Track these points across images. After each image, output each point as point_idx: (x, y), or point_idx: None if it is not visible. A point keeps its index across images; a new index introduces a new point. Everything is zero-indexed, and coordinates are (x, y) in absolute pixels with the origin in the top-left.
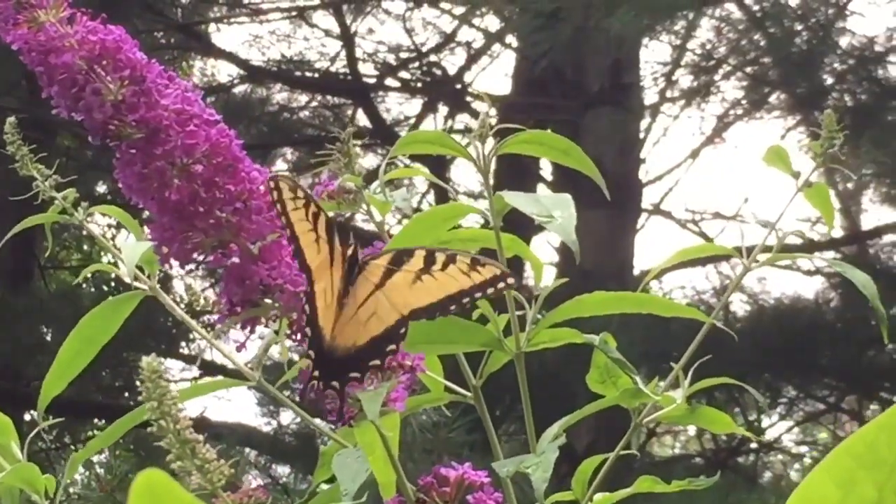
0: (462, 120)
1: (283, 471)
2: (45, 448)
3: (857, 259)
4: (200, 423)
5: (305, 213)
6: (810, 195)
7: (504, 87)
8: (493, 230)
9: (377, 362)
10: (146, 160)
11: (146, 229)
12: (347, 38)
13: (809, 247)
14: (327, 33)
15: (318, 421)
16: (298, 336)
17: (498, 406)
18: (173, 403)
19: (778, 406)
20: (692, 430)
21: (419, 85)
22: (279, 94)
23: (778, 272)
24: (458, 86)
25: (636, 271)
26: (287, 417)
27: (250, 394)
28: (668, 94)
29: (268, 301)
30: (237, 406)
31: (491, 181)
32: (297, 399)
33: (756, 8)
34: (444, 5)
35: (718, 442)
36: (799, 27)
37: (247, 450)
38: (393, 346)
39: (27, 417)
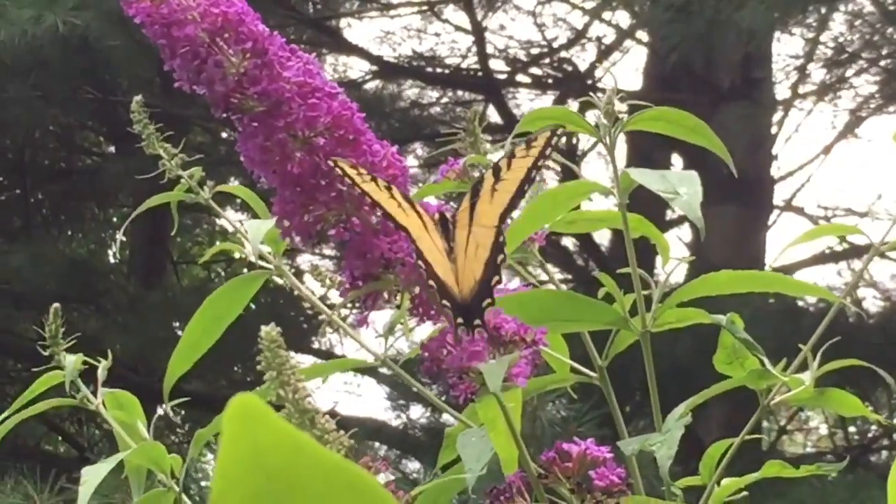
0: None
1: (412, 466)
2: (177, 441)
3: None
4: (330, 417)
5: (376, 185)
6: None
7: (635, 83)
8: (619, 208)
9: (497, 278)
10: (268, 133)
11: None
12: (478, 34)
13: None
14: (458, 28)
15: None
16: (421, 310)
17: (625, 399)
18: (292, 373)
19: None
20: (823, 428)
21: (550, 81)
22: (410, 90)
23: None
24: (589, 81)
25: (767, 268)
26: (416, 412)
27: (380, 388)
28: (800, 89)
29: (388, 275)
30: (367, 400)
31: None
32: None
33: (889, 3)
34: (574, 0)
35: (850, 440)
36: None
37: (376, 444)
38: (502, 256)
39: (159, 411)
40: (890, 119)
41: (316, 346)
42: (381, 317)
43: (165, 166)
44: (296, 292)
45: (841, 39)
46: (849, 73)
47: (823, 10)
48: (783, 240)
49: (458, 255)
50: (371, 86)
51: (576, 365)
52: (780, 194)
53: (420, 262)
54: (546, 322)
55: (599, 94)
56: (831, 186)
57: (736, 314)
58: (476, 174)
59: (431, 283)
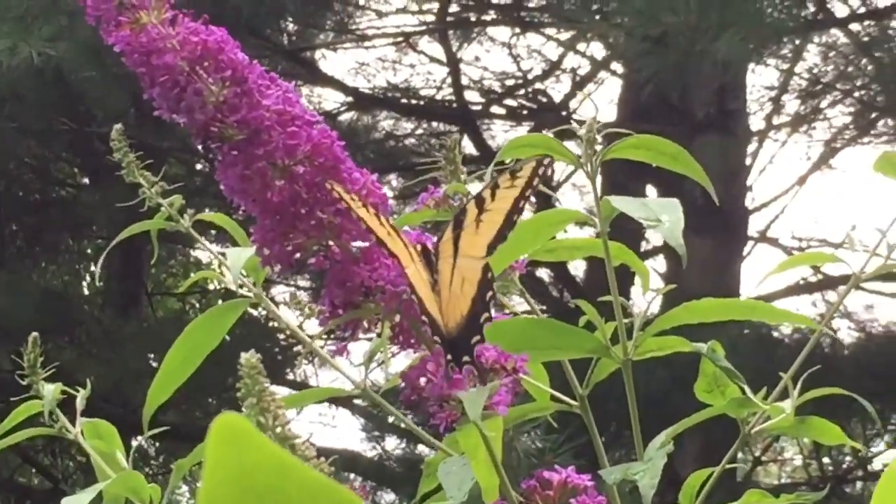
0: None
1: (388, 498)
2: (151, 473)
3: None
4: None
5: (367, 210)
6: None
7: (609, 114)
8: (601, 236)
9: (487, 315)
10: (248, 161)
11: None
12: (453, 65)
13: None
14: (433, 60)
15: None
16: (401, 339)
17: (602, 429)
18: (272, 400)
19: (886, 434)
20: (798, 459)
21: (524, 112)
22: (385, 122)
23: (886, 300)
24: (564, 113)
25: (742, 298)
26: (391, 443)
27: (355, 419)
28: (775, 119)
29: (368, 304)
30: (342, 431)
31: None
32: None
33: (863, 34)
34: (549, 32)
35: (825, 470)
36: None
37: (351, 475)
38: (491, 293)
39: (134, 443)
40: (864, 150)
41: (291, 377)
42: (357, 347)
43: (145, 195)
44: (272, 323)
45: (815, 71)
46: (823, 104)
47: (798, 42)
48: (758, 271)
49: (443, 288)
50: (346, 117)
51: (556, 393)
52: (754, 225)
53: (413, 296)
54: (527, 350)
55: (577, 124)
56: (806, 217)
57: (717, 342)
58: (456, 203)
59: (424, 317)
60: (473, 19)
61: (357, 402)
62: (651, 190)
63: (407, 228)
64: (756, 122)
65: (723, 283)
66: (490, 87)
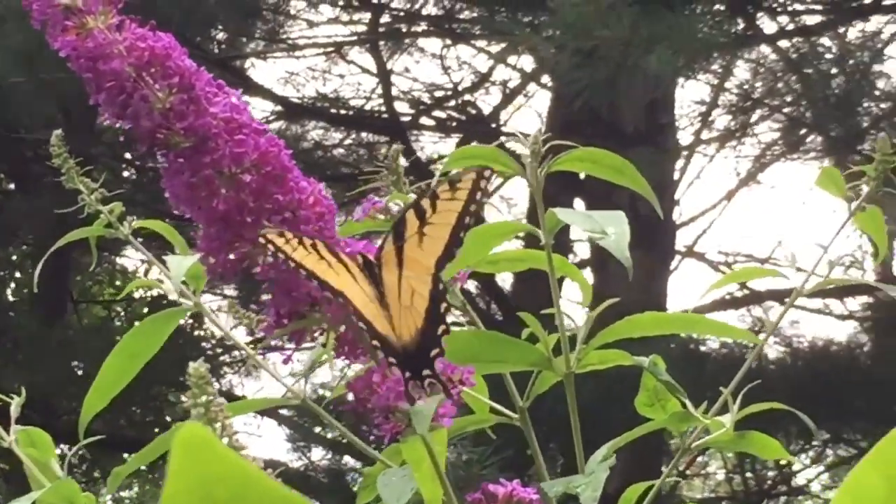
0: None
1: None
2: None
3: (892, 304)
4: None
5: (304, 248)
6: (862, 220)
7: (538, 126)
8: (545, 248)
9: (444, 327)
10: (194, 169)
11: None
12: (384, 76)
13: (840, 291)
14: (364, 70)
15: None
16: (346, 349)
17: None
18: (220, 410)
19: (810, 450)
20: (721, 474)
21: (453, 124)
22: (314, 132)
23: (810, 315)
24: (493, 125)
25: (683, 312)
26: (318, 454)
27: (281, 430)
28: (704, 135)
29: (314, 314)
30: (267, 442)
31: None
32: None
33: (791, 51)
34: (479, 44)
35: (748, 485)
36: (835, 70)
37: None
38: (446, 305)
39: (58, 451)
40: (792, 166)
41: (216, 386)
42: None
43: (85, 201)
44: (197, 332)
45: (745, 87)
46: (752, 119)
47: (727, 58)
48: (685, 285)
49: (391, 302)
50: (275, 126)
51: (496, 406)
52: (681, 240)
53: (361, 323)
54: (470, 362)
55: (505, 136)
56: (733, 233)
57: (658, 356)
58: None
59: (375, 341)
60: (405, 30)
61: (283, 412)
62: (579, 203)
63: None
64: (685, 137)
65: (650, 296)
66: (420, 99)
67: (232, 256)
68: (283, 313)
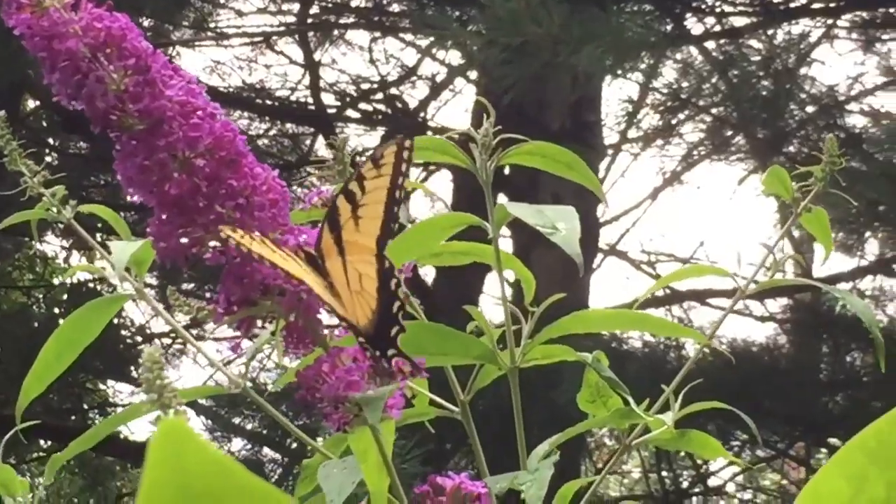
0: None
1: None
2: None
3: (811, 306)
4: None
5: (258, 242)
6: (808, 220)
7: (464, 121)
8: (492, 242)
9: (399, 303)
10: (148, 152)
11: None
12: (312, 67)
13: (762, 293)
14: (291, 61)
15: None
16: (295, 338)
17: (455, 438)
18: (174, 396)
19: (729, 450)
20: (637, 472)
21: (379, 117)
22: (239, 122)
23: (731, 316)
24: (420, 119)
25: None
26: (237, 444)
27: (199, 420)
28: (630, 133)
29: (264, 301)
30: None
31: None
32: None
33: (718, 52)
34: (407, 37)
35: (665, 484)
36: (761, 73)
37: None
38: (396, 280)
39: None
40: (717, 167)
41: (134, 374)
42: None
43: (27, 184)
44: (115, 319)
45: (673, 87)
46: (678, 120)
47: (655, 58)
48: (607, 283)
49: (341, 290)
50: None
51: (437, 399)
52: (605, 238)
53: (325, 307)
54: (415, 354)
55: (431, 131)
56: (656, 232)
57: (602, 353)
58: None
59: (343, 323)
60: (333, 22)
61: (202, 401)
62: (502, 198)
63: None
64: (611, 136)
65: (572, 294)
66: (346, 91)
67: (184, 241)
68: (233, 300)
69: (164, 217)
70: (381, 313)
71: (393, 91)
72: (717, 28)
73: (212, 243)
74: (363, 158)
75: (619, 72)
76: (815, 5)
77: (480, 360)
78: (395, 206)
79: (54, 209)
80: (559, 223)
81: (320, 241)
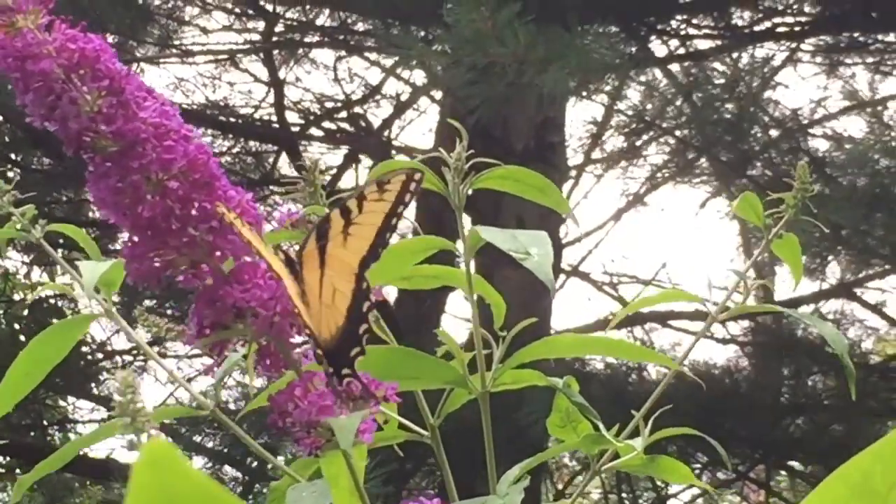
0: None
1: None
2: None
3: (773, 329)
4: (107, 465)
5: (248, 227)
6: (779, 247)
7: (429, 141)
8: (465, 266)
9: (366, 326)
10: (121, 174)
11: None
12: (276, 85)
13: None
14: (256, 79)
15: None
16: (268, 362)
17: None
18: (147, 420)
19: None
20: (597, 493)
21: (342, 136)
22: (203, 139)
23: (692, 339)
24: (383, 138)
25: (553, 332)
26: (199, 462)
27: (162, 437)
28: (594, 155)
29: (237, 325)
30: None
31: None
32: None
33: (683, 75)
34: (371, 56)
35: None
36: (725, 96)
37: None
38: (369, 303)
39: None
40: (680, 189)
41: (95, 392)
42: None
43: None
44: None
45: (637, 109)
46: (642, 142)
47: (620, 80)
48: (569, 304)
49: (312, 299)
50: None
51: (406, 422)
52: (567, 259)
53: (294, 311)
54: (385, 378)
55: (395, 150)
56: (618, 253)
57: (572, 378)
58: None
59: (306, 330)
60: (299, 40)
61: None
62: (466, 220)
63: None
64: (575, 157)
65: (534, 315)
66: (309, 109)
67: (157, 263)
68: (206, 324)
69: (136, 239)
70: (346, 332)
71: (357, 110)
72: (682, 51)
73: (184, 266)
74: (364, 186)
75: (585, 93)
76: (780, 29)
77: (451, 384)
78: (389, 231)
79: (24, 228)
80: (532, 248)
81: (304, 248)
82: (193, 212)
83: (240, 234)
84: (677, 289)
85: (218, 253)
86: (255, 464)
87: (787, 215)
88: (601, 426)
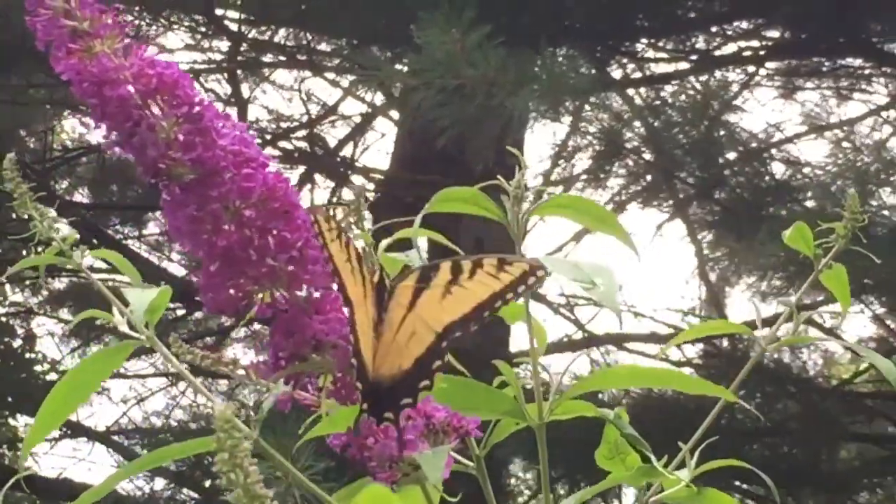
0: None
1: None
2: None
3: (729, 352)
4: (62, 485)
5: (340, 243)
6: (828, 278)
7: (386, 162)
8: (523, 297)
9: (427, 382)
10: (200, 202)
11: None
12: (240, 104)
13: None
14: (219, 97)
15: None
16: (343, 393)
17: None
18: (245, 456)
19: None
20: None
21: (298, 155)
22: None
23: (649, 361)
24: (339, 158)
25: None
26: (160, 483)
27: (116, 457)
28: (554, 176)
29: (315, 357)
30: (102, 468)
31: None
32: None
33: (646, 98)
34: (330, 76)
35: None
36: (687, 119)
37: None
38: (439, 363)
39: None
40: (641, 212)
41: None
42: None
43: (36, 228)
44: (29, 354)
45: (599, 131)
46: (603, 164)
47: (582, 103)
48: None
49: (387, 331)
50: (118, 150)
51: (453, 454)
52: None
53: (352, 337)
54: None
55: (351, 171)
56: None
57: (622, 409)
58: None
59: (354, 358)
60: (262, 60)
61: (115, 438)
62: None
63: None
64: (535, 179)
65: (494, 337)
66: (266, 129)
67: (232, 293)
68: (282, 356)
69: (212, 268)
70: (407, 377)
71: (315, 130)
72: (646, 74)
73: (261, 296)
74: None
75: (554, 115)
76: (745, 53)
77: (509, 415)
78: (489, 311)
79: (66, 254)
80: (597, 279)
81: (401, 280)
82: (272, 241)
83: (328, 249)
84: (723, 320)
85: (297, 283)
86: (208, 483)
87: (837, 245)
88: (653, 458)
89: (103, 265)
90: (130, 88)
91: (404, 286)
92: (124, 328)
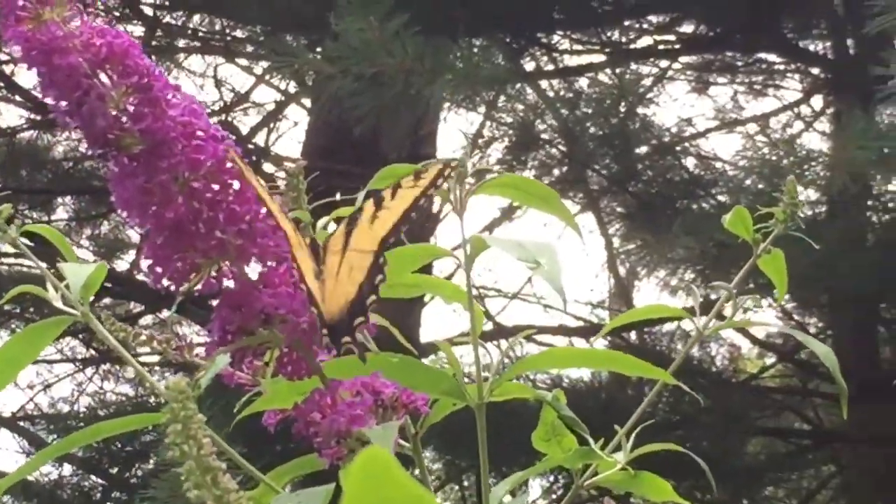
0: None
1: None
2: None
3: (636, 346)
4: None
5: (263, 186)
6: (766, 263)
7: (295, 149)
8: (466, 273)
9: (374, 297)
10: (149, 173)
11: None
12: None
13: (587, 330)
14: None
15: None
16: (290, 369)
17: None
18: (199, 427)
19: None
20: None
21: None
22: (66, 142)
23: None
24: (251, 145)
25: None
26: (68, 469)
27: (22, 442)
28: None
29: (262, 331)
30: (8, 455)
31: None
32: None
33: (560, 89)
34: (242, 62)
35: None
36: (602, 111)
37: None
38: (380, 276)
39: None
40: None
41: None
42: None
43: None
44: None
45: (513, 122)
46: (517, 155)
47: (497, 93)
48: (435, 317)
49: (328, 278)
50: (27, 135)
51: None
52: (434, 271)
53: (302, 285)
54: None
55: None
56: (484, 266)
57: (560, 391)
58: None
59: (312, 307)
60: (177, 45)
61: (22, 424)
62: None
63: None
64: None
65: (406, 327)
66: None
67: (180, 266)
68: (230, 329)
69: (160, 241)
70: (354, 305)
71: (227, 117)
72: (560, 66)
73: (208, 269)
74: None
75: (469, 105)
76: (660, 47)
77: (447, 395)
78: (413, 211)
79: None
80: (541, 258)
81: (331, 235)
82: (221, 214)
83: (267, 206)
84: (661, 304)
85: (246, 256)
86: (115, 471)
87: (775, 230)
88: (590, 440)
89: (10, 250)
90: (80, 57)
91: (335, 237)
92: (58, 304)
